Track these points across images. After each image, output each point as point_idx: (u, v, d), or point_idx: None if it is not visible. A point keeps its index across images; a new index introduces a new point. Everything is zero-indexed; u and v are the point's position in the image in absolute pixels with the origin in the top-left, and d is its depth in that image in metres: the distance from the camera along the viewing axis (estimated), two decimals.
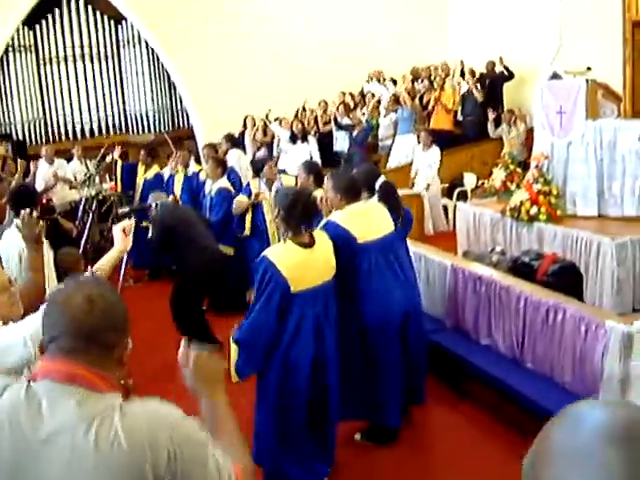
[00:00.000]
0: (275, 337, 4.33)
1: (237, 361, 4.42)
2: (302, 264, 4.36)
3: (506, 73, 13.55)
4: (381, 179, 5.69)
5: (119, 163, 11.55)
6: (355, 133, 12.89)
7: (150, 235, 6.97)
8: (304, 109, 14.39)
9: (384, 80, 15.54)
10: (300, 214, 4.41)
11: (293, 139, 12.99)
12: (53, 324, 1.98)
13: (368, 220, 5.12)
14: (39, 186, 10.67)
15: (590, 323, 4.83)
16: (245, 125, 14.08)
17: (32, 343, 2.97)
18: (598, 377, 4.74)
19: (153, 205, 5.67)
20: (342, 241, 4.73)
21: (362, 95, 15.29)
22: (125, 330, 2.06)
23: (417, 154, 12.06)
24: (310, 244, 4.43)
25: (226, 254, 7.83)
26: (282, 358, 4.37)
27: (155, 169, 11.14)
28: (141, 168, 11.29)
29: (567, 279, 6.10)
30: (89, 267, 3.37)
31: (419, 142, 12.08)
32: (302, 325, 4.35)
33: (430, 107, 13.83)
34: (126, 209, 5.18)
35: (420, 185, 11.74)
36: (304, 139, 12.99)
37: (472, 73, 13.70)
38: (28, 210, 3.89)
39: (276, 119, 13.76)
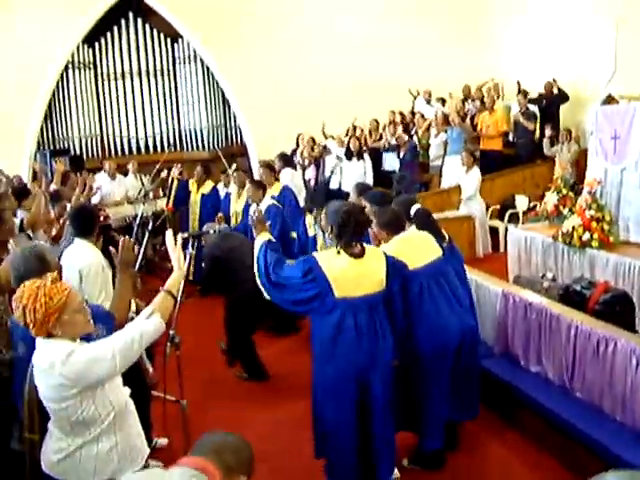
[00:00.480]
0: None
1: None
2: (349, 272, 4.41)
3: (560, 95, 13.51)
4: (416, 206, 5.69)
5: (175, 182, 11.51)
6: (402, 153, 12.93)
7: (203, 266, 7.10)
8: (354, 127, 14.45)
9: (429, 100, 15.52)
10: (352, 230, 4.47)
11: (348, 156, 12.99)
12: (203, 442, 2.55)
13: (415, 247, 5.17)
14: (95, 200, 10.99)
15: None
16: (298, 143, 14.23)
17: (119, 358, 3.19)
18: None
19: (211, 231, 5.80)
20: (392, 270, 4.76)
21: (412, 113, 15.32)
22: (243, 467, 2.51)
23: (461, 176, 11.99)
24: (360, 255, 4.49)
25: None
26: (325, 374, 4.48)
27: (209, 184, 11.27)
28: (193, 185, 11.29)
29: (619, 308, 6.06)
30: (160, 288, 3.56)
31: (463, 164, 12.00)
32: (342, 333, 4.39)
33: (480, 127, 13.79)
34: (185, 234, 5.29)
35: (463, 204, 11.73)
36: (360, 156, 12.96)
37: (525, 94, 13.67)
38: (127, 236, 4.11)
39: (330, 136, 13.88)
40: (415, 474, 5.21)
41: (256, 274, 4.63)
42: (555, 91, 13.55)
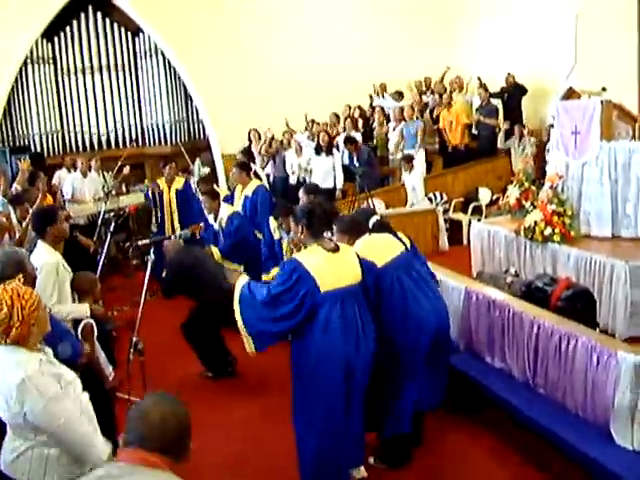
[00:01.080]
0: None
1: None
2: (328, 265, 4.56)
3: (518, 87, 13.63)
4: (374, 218, 5.80)
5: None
6: (356, 156, 12.88)
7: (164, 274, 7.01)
8: (312, 121, 14.42)
9: (383, 94, 15.55)
10: (320, 218, 4.67)
11: (317, 151, 12.85)
12: (134, 429, 2.50)
13: (380, 246, 5.26)
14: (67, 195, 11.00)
15: (602, 353, 4.85)
16: (250, 139, 14.13)
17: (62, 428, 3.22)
18: (609, 406, 4.76)
19: (173, 237, 5.74)
20: (363, 268, 4.84)
21: (372, 108, 15.32)
22: (189, 438, 2.57)
23: (405, 176, 12.15)
24: (336, 249, 4.65)
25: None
26: (312, 367, 4.52)
27: (181, 179, 10.94)
28: (163, 184, 10.80)
29: (580, 304, 6.13)
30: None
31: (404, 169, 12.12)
32: (330, 325, 4.48)
33: (443, 125, 13.84)
34: (146, 241, 5.26)
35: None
36: (329, 152, 12.74)
37: (485, 88, 13.76)
38: (91, 323, 4.21)
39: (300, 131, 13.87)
40: (381, 473, 5.24)
41: (245, 322, 4.68)
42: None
